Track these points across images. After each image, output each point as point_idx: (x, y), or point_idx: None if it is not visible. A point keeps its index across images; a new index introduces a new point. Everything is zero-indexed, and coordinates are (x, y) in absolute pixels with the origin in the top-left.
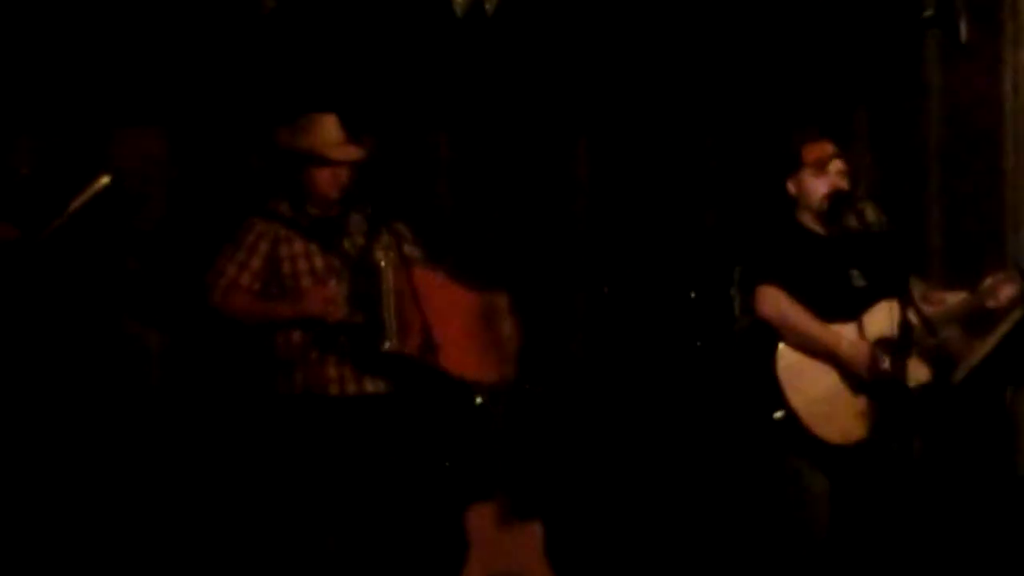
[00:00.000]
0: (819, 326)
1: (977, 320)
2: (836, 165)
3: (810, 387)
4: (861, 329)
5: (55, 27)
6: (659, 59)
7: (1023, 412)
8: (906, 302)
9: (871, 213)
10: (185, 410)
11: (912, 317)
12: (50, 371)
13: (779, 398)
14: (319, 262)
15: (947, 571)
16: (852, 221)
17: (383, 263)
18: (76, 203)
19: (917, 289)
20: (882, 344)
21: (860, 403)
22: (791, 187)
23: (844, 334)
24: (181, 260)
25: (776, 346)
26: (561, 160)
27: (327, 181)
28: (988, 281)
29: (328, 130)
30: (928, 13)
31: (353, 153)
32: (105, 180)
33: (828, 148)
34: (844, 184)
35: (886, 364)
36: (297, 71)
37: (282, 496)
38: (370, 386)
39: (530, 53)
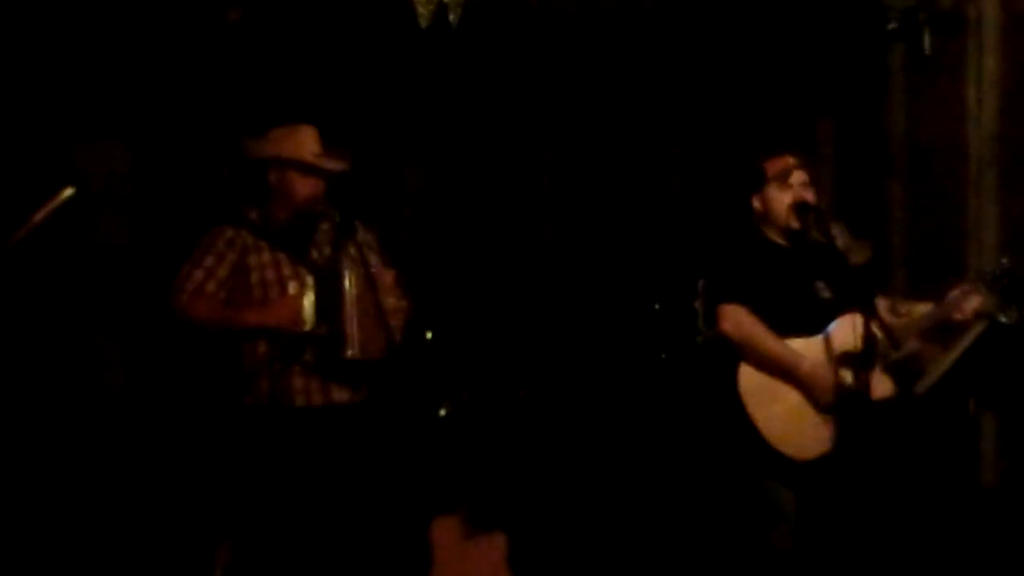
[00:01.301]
0: (780, 346)
1: (941, 332)
2: (798, 176)
3: (773, 405)
4: (828, 342)
5: (16, 40)
6: (623, 72)
7: (987, 424)
8: (870, 315)
9: (838, 233)
10: (149, 422)
11: (876, 330)
12: (13, 382)
13: (741, 414)
14: (287, 272)
15: None
16: (817, 234)
17: (348, 274)
18: (39, 216)
19: (883, 301)
20: (846, 358)
21: (823, 419)
22: (756, 203)
23: (809, 350)
24: (145, 271)
25: (738, 362)
26: (525, 172)
27: (305, 190)
28: (953, 293)
29: (311, 140)
30: (892, 26)
31: (341, 164)
32: (69, 192)
33: (790, 161)
34: (808, 195)
35: (849, 381)
36: (262, 83)
37: (247, 508)
38: (337, 396)
39: (494, 65)
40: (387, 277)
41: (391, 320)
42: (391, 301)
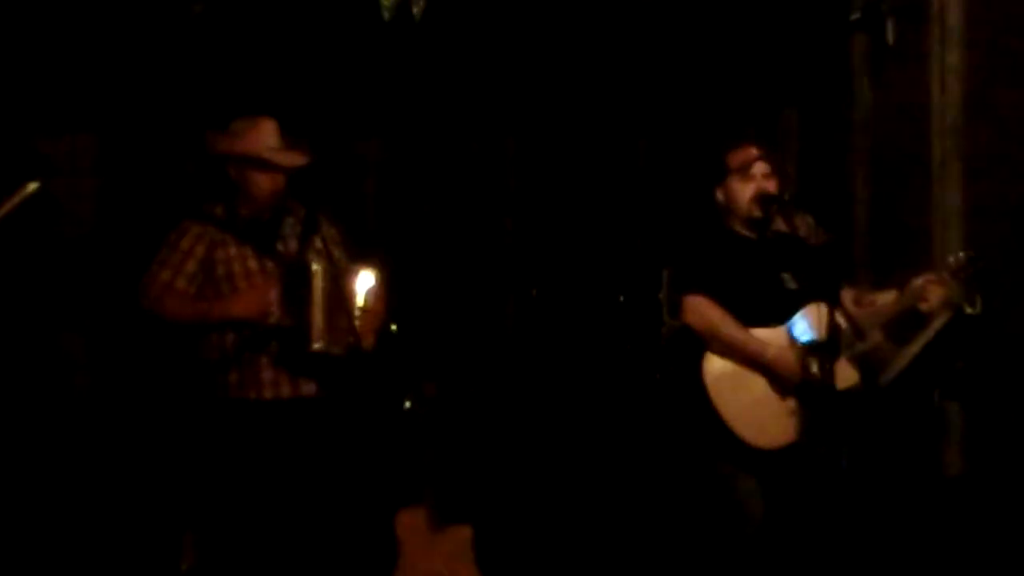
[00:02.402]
0: (745, 334)
1: (906, 322)
2: (760, 168)
3: (738, 394)
4: (792, 336)
5: None
6: (589, 63)
7: (951, 414)
8: (835, 306)
9: (801, 225)
10: (116, 414)
11: (840, 320)
12: None
13: (707, 404)
14: (253, 265)
15: (878, 571)
16: (781, 224)
17: (315, 266)
18: (3, 209)
19: (847, 292)
20: (810, 348)
21: (788, 408)
22: (719, 195)
23: (773, 339)
24: (110, 265)
25: (703, 352)
26: (490, 163)
27: (265, 185)
28: (917, 282)
29: (269, 135)
30: (855, 16)
31: (295, 159)
32: (32, 187)
33: (751, 152)
34: (770, 186)
35: (815, 368)
36: (226, 75)
37: (215, 499)
38: (305, 389)
39: (458, 57)
40: (369, 277)
41: (367, 324)
42: (372, 301)
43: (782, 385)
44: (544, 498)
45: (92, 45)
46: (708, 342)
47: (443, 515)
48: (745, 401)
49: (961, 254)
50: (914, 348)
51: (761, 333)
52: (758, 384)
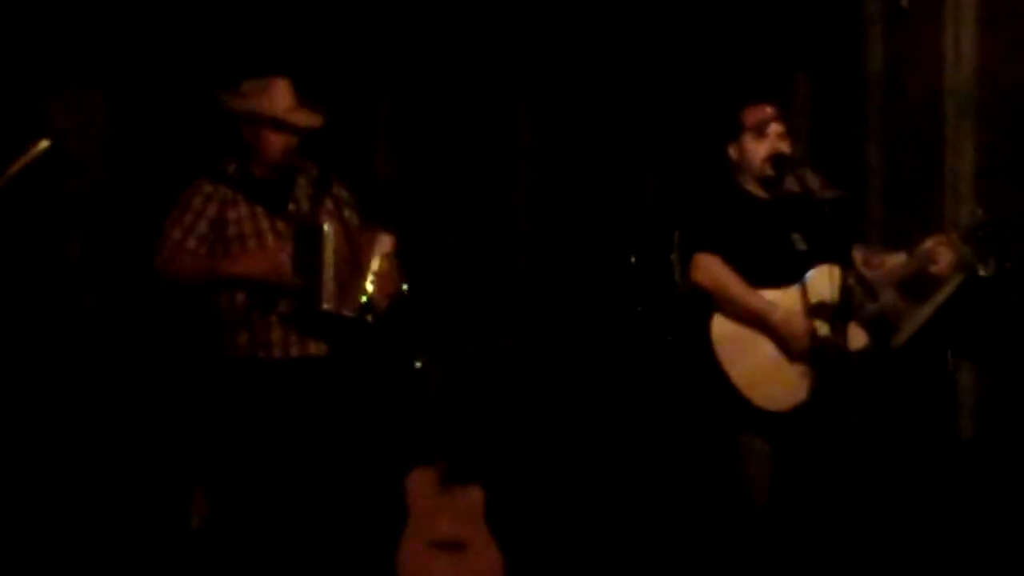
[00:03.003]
0: (753, 296)
1: (917, 284)
2: (775, 128)
3: (746, 355)
4: (803, 292)
5: None
6: (601, 24)
7: (965, 376)
8: (847, 266)
9: (812, 180)
10: (126, 374)
11: (853, 281)
12: None
13: (715, 367)
14: (265, 225)
15: (890, 535)
16: (793, 184)
17: (327, 226)
18: (14, 168)
19: (858, 253)
20: (820, 309)
21: (797, 370)
22: (732, 152)
23: (784, 300)
24: (121, 224)
25: (712, 313)
26: (502, 125)
27: (278, 145)
28: (927, 245)
29: (282, 94)
30: None
31: (310, 119)
32: (44, 144)
33: (768, 111)
34: (784, 147)
35: (823, 332)
36: (237, 32)
37: (224, 458)
38: (314, 349)
39: (472, 18)
40: (385, 241)
41: (381, 288)
42: (386, 265)
43: (789, 346)
44: (554, 459)
45: (104, 1)
46: (717, 302)
47: (453, 476)
48: (753, 363)
49: (972, 216)
50: (927, 310)
51: (770, 294)
52: (766, 346)
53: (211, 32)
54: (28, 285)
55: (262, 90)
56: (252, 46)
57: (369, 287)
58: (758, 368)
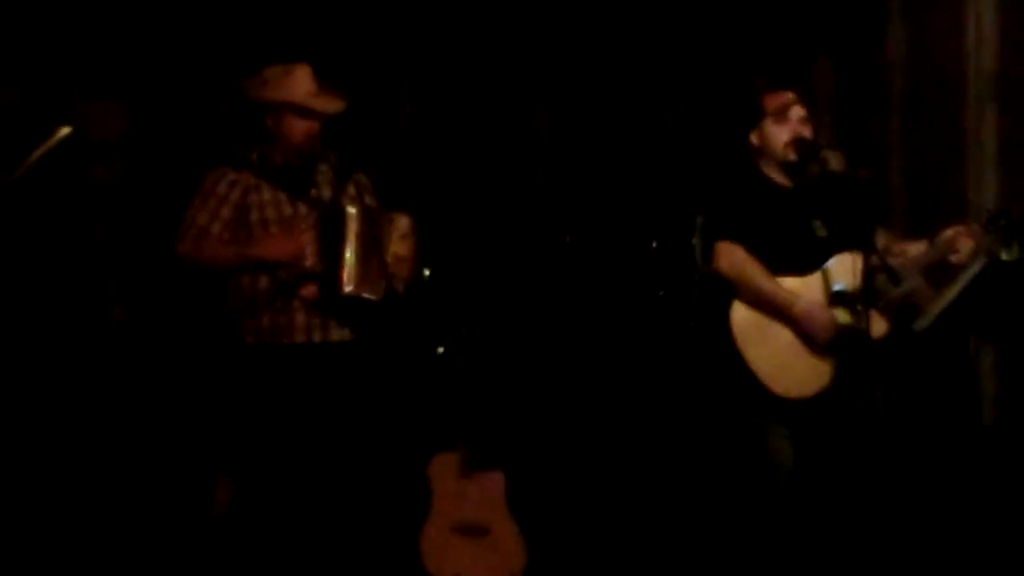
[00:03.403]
0: (774, 285)
1: (938, 271)
2: (797, 112)
3: (765, 343)
4: (825, 279)
5: None
6: (623, 9)
7: (986, 361)
8: (870, 252)
9: (835, 162)
10: (148, 361)
11: (877, 263)
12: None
13: (734, 354)
14: (288, 210)
15: (913, 520)
16: (815, 168)
17: (350, 209)
18: (36, 154)
19: (880, 239)
20: (841, 297)
21: (816, 357)
22: (754, 138)
23: (806, 288)
24: (145, 211)
25: (731, 300)
26: (523, 108)
27: (301, 131)
28: (947, 234)
29: (304, 80)
30: None
31: (333, 104)
32: (65, 131)
33: (788, 96)
34: (806, 131)
35: (844, 319)
36: (259, 20)
37: (247, 444)
38: (336, 334)
39: (495, 2)
40: (403, 223)
41: (399, 270)
42: (404, 248)
43: (811, 337)
44: (576, 444)
45: None
46: (737, 290)
47: (475, 460)
48: (772, 350)
49: (993, 206)
50: (950, 295)
51: (791, 282)
52: (785, 333)
53: (233, 19)
54: (53, 272)
55: (284, 77)
56: (274, 34)
57: (389, 270)
58: (777, 356)
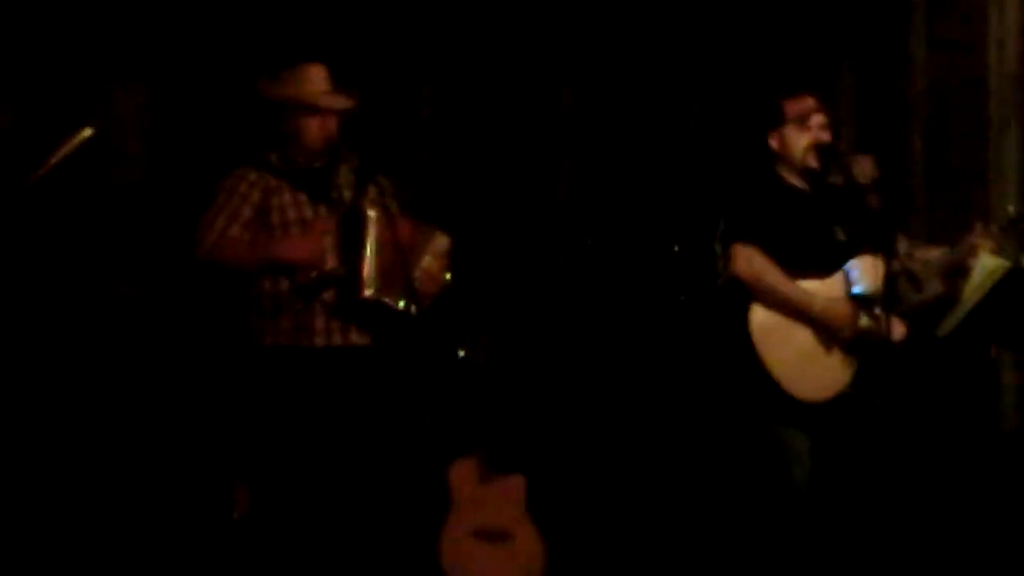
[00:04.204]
0: (792, 286)
1: (958, 275)
2: (817, 119)
3: (784, 346)
4: (846, 282)
5: None
6: (645, 11)
7: (1008, 368)
8: (891, 256)
9: (860, 170)
10: (169, 362)
11: (898, 268)
12: (32, 323)
13: (753, 357)
14: (308, 212)
15: (931, 526)
16: (836, 175)
17: (371, 212)
18: (58, 155)
19: (902, 244)
20: (860, 299)
21: (834, 360)
22: (773, 142)
23: (827, 290)
24: (164, 211)
25: (750, 303)
26: (545, 113)
27: (315, 130)
28: (968, 240)
29: (316, 79)
30: None
31: (342, 102)
32: (87, 132)
33: (810, 102)
34: (826, 137)
35: (864, 321)
36: (281, 21)
37: (266, 449)
38: (356, 338)
39: (515, 7)
40: (440, 242)
41: (426, 286)
42: (436, 266)
43: (827, 337)
44: (596, 448)
45: None
46: (756, 293)
47: (496, 465)
48: (791, 354)
49: (1011, 209)
50: (972, 300)
51: (810, 284)
52: (804, 336)
53: (252, 21)
54: (72, 274)
55: (296, 75)
56: (294, 35)
57: (415, 282)
58: (796, 359)
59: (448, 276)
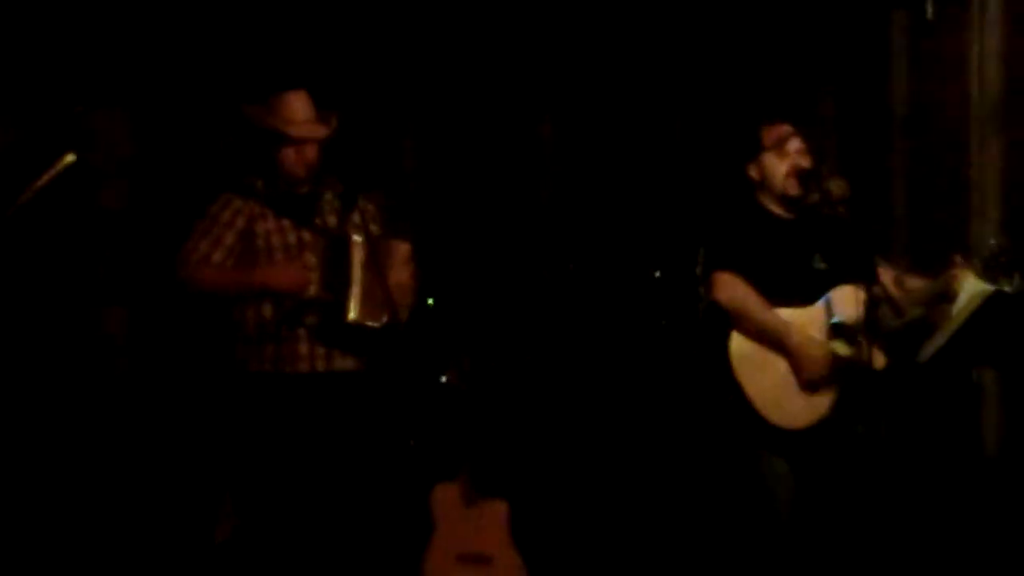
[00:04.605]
0: (771, 316)
1: (940, 304)
2: (795, 144)
3: (763, 373)
4: (827, 311)
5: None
6: (626, 40)
7: (990, 393)
8: (872, 282)
9: (836, 188)
10: (152, 387)
11: (880, 293)
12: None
13: (733, 384)
14: (292, 238)
15: (915, 552)
16: (816, 199)
17: (356, 237)
18: (40, 181)
19: (887, 271)
20: (840, 329)
21: (811, 389)
22: (752, 171)
23: (808, 319)
24: (147, 237)
25: (730, 330)
26: (526, 137)
27: (292, 159)
28: (950, 273)
29: (294, 108)
30: None
31: (316, 131)
32: (70, 158)
33: (786, 128)
34: (804, 163)
35: (843, 352)
36: (263, 46)
37: (250, 473)
38: (340, 363)
39: (498, 30)
40: (402, 249)
41: (401, 297)
42: (405, 274)
43: (803, 370)
44: (579, 473)
45: (130, 14)
46: (734, 320)
47: (479, 489)
48: (770, 381)
49: (993, 242)
50: (953, 326)
51: (790, 314)
52: (782, 365)
53: (235, 47)
54: (56, 298)
55: (276, 103)
56: (278, 60)
57: (393, 297)
58: (775, 386)
59: (431, 301)
